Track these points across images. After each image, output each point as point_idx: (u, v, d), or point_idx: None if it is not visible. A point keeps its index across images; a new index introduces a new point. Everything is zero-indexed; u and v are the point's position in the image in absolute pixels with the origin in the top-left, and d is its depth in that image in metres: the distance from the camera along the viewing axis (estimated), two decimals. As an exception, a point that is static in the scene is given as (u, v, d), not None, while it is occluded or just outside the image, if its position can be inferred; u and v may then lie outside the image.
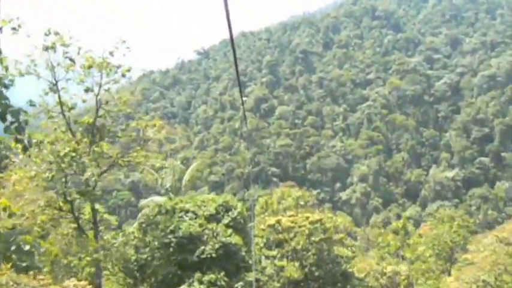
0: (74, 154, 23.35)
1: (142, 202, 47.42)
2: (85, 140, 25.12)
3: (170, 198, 32.90)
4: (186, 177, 44.97)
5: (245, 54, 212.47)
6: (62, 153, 23.14)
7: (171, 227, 26.65)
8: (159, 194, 51.42)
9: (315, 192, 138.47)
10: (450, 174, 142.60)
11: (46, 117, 25.07)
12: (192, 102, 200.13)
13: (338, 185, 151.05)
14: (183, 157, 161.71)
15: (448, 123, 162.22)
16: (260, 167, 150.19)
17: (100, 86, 25.50)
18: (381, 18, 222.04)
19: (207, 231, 27.09)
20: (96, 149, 24.95)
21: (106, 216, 50.78)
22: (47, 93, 24.92)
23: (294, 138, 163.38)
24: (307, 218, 34.88)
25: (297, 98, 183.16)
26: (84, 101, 26.25)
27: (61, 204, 24.75)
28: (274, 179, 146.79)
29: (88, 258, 24.12)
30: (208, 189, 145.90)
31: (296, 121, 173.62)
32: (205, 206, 29.23)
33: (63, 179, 23.67)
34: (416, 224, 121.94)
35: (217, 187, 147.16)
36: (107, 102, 25.98)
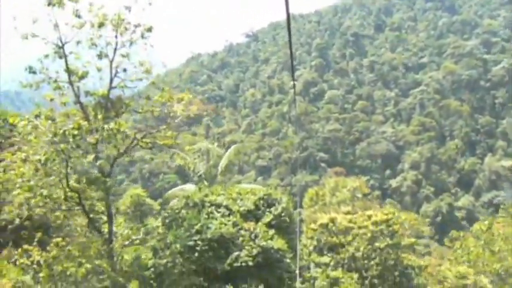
0: (76, 132, 19.45)
1: (169, 192, 42.39)
2: (99, 116, 21.21)
3: (200, 189, 27.87)
4: (223, 162, 39.08)
5: (294, 37, 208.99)
6: (59, 131, 19.22)
7: (197, 226, 21.84)
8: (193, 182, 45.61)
9: (364, 178, 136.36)
10: (506, 163, 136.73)
11: (51, 87, 21.13)
12: (240, 86, 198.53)
13: (388, 172, 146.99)
14: (230, 140, 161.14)
15: (506, 110, 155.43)
16: (308, 152, 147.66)
17: (115, 49, 21.51)
18: (436, 0, 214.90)
19: (242, 233, 22.19)
20: (111, 126, 20.92)
21: (148, 200, 48.03)
22: (47, 56, 20.86)
23: (344, 123, 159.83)
24: (369, 217, 29.11)
25: (347, 82, 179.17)
26: (99, 70, 21.76)
27: (68, 193, 20.62)
28: (322, 165, 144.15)
29: (88, 266, 20.07)
30: (255, 173, 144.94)
31: (346, 106, 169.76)
32: (241, 200, 24.48)
33: (64, 163, 19.77)
34: (472, 216, 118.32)
35: (264, 172, 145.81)
36: (124, 70, 21.83)
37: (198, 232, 21.90)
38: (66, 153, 19.51)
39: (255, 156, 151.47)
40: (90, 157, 20.48)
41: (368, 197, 42.72)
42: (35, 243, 20.20)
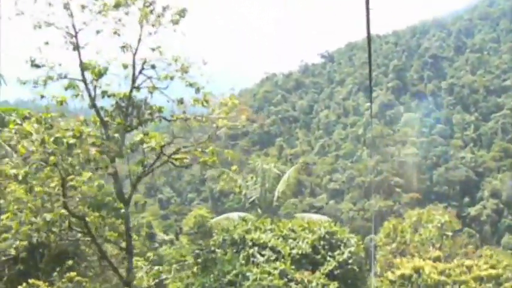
0: (73, 141, 14.97)
1: (213, 221, 36.23)
2: (117, 120, 17.49)
3: (245, 221, 22.74)
4: (280, 186, 33.19)
5: (371, 58, 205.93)
6: (49, 139, 14.80)
7: (231, 275, 16.70)
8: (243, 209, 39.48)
9: (441, 205, 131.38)
10: None
11: (63, 87, 17.33)
12: (315, 107, 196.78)
13: (466, 199, 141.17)
14: (303, 162, 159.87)
15: None
16: (383, 176, 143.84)
17: (139, 39, 17.58)
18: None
19: (293, 286, 16.77)
20: (138, 137, 17.34)
21: (212, 222, 42.21)
22: (47, 43, 16.79)
23: (421, 148, 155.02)
24: (469, 268, 22.50)
25: (424, 105, 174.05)
26: (125, 67, 17.87)
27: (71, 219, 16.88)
28: (397, 190, 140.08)
29: None
30: (327, 196, 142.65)
31: (423, 129, 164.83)
32: (295, 239, 19.05)
33: (56, 180, 15.81)
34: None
35: (336, 195, 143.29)
36: (153, 67, 17.94)
37: (231, 283, 16.94)
38: (60, 168, 15.39)
39: (327, 178, 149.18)
40: (87, 174, 16.99)
41: (460, 235, 34.82)
42: (42, 275, 18.06)
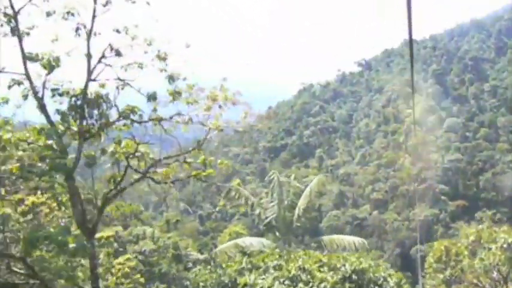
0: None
1: (219, 248, 30.45)
2: (72, 125, 14.04)
3: (244, 253, 19.46)
4: (302, 203, 28.03)
5: (409, 64, 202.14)
6: None
7: None
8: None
9: (489, 212, 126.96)
10: None
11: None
12: (354, 116, 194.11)
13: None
14: (344, 173, 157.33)
15: None
16: (427, 184, 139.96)
17: (94, 14, 14.05)
18: None
19: None
20: (110, 149, 13.89)
21: (248, 240, 39.14)
22: None
23: (465, 153, 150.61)
24: None
25: (467, 109, 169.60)
26: (89, 56, 14.34)
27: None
28: (443, 198, 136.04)
29: None
30: (370, 207, 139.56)
31: (467, 134, 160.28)
32: (307, 284, 13.56)
33: None
34: None
35: (379, 205, 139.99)
36: (114, 50, 14.29)
37: None
38: None
39: (369, 188, 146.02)
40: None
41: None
42: None
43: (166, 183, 15.34)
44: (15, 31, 13.46)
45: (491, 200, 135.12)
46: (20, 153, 12.63)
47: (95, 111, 14.26)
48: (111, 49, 14.38)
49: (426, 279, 28.69)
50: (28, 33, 13.75)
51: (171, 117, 14.89)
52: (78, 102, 14.15)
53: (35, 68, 13.96)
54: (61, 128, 14.06)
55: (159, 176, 15.04)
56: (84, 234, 13.91)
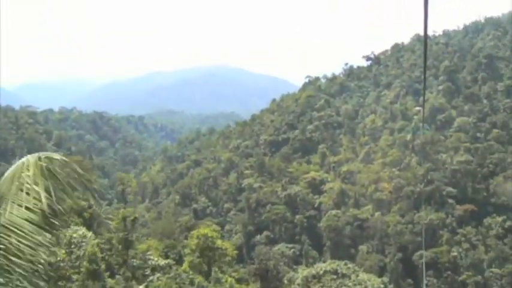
0: None
1: None
2: None
3: None
4: None
5: (420, 60, 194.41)
6: None
7: None
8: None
9: (499, 219, 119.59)
10: None
11: None
12: (360, 111, 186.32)
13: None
14: (346, 170, 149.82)
15: None
16: (434, 186, 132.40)
17: None
18: None
19: None
20: None
21: (219, 243, 33.46)
22: None
23: (475, 154, 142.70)
24: None
25: (479, 109, 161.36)
26: None
27: None
28: (450, 201, 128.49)
29: None
30: (373, 207, 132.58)
31: (478, 134, 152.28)
32: None
33: None
34: None
35: (382, 206, 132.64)
36: None
37: None
38: None
39: (372, 188, 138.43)
40: None
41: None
42: None
43: None
44: None
45: (502, 206, 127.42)
46: None
47: None
48: None
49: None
50: None
51: None
52: None
53: None
54: None
55: None
56: None
